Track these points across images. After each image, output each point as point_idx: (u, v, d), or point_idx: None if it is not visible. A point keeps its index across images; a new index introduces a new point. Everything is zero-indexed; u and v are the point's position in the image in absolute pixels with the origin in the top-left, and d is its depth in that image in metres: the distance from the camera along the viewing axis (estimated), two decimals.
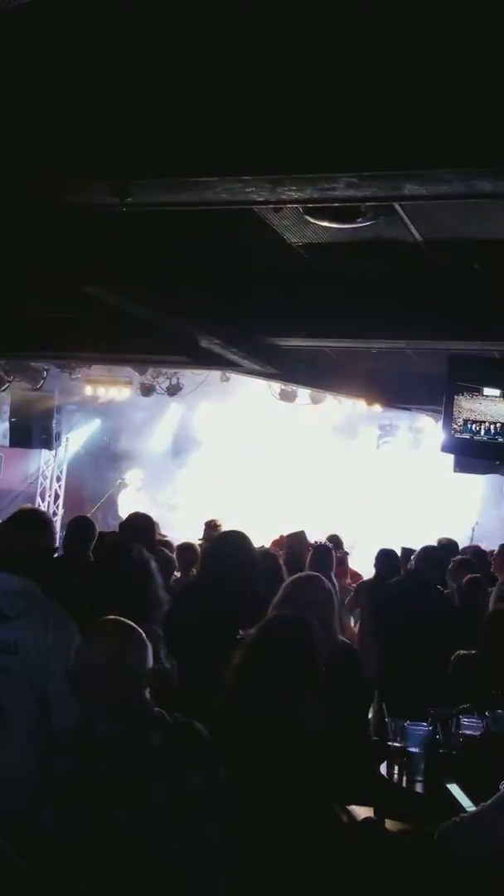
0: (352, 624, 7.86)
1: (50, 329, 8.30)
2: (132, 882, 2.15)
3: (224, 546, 4.78)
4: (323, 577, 4.28)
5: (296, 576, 4.54)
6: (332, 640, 3.81)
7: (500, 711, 4.20)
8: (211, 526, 8.55)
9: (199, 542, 8.19)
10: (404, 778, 3.84)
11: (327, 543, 8.15)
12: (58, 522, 11.92)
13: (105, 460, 14.23)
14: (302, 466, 13.50)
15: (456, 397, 8.57)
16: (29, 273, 5.72)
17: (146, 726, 2.35)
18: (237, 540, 4.84)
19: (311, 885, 2.73)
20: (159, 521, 10.71)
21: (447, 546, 8.47)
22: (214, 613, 4.14)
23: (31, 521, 3.65)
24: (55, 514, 13.41)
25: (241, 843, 2.40)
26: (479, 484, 13.23)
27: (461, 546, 8.85)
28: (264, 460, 13.65)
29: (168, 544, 7.76)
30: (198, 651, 3.93)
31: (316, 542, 8.26)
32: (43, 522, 3.63)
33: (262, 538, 9.75)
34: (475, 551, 8.72)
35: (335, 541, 8.78)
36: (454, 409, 8.59)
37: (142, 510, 9.01)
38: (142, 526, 5.39)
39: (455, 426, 8.62)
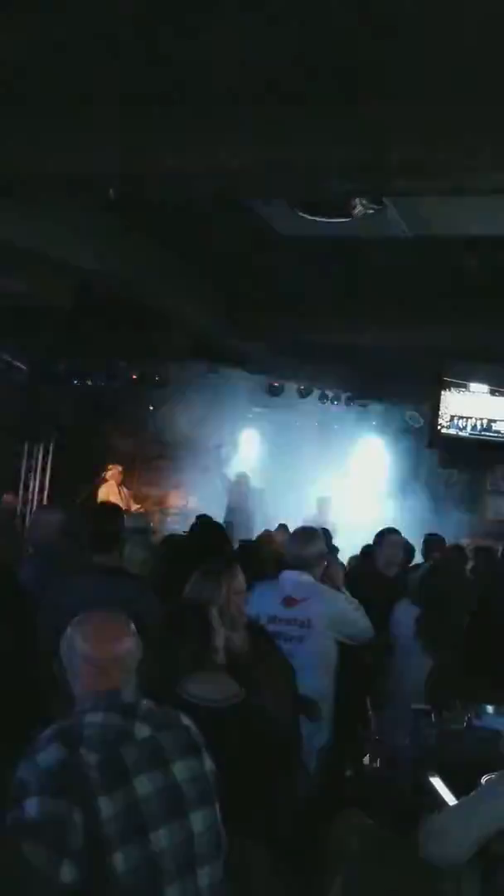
0: None
1: (37, 320, 8.27)
2: (116, 873, 2.15)
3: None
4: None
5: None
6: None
7: (483, 706, 4.22)
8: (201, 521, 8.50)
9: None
10: (386, 771, 3.85)
11: None
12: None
13: (91, 452, 14.16)
14: (291, 460, 13.49)
15: (444, 393, 8.60)
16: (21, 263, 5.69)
17: (134, 718, 2.35)
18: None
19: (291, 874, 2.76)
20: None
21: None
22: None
23: (309, 534, 4.94)
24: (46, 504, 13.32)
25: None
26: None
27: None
28: (254, 454, 13.64)
29: None
30: None
31: None
32: (317, 534, 4.95)
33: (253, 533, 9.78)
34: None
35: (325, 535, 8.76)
36: (441, 405, 8.62)
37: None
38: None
39: (442, 422, 8.66)
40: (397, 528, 7.15)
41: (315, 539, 4.83)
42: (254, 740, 2.99)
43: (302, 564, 4.61)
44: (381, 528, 6.90)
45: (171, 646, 3.16)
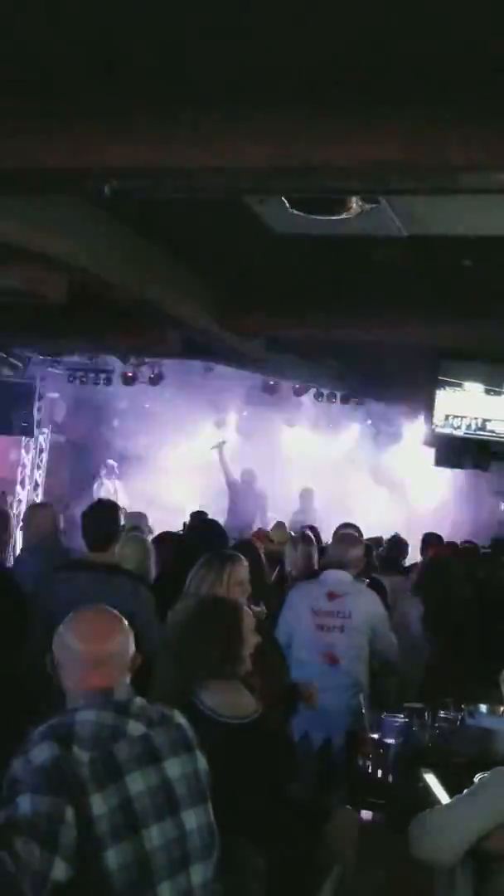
0: None
1: (30, 316, 8.24)
2: (108, 870, 2.15)
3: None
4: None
5: None
6: None
7: (476, 705, 4.23)
8: (196, 518, 8.51)
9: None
10: (379, 769, 3.85)
11: (308, 534, 8.15)
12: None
13: (86, 450, 14.16)
14: (286, 458, 13.51)
15: (438, 391, 8.60)
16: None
17: (127, 715, 2.35)
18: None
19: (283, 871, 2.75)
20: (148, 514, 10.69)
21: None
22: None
23: (352, 539, 5.64)
24: (34, 502, 13.32)
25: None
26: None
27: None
28: (248, 452, 13.65)
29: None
30: None
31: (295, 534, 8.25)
32: (358, 540, 5.70)
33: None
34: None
35: (314, 532, 8.78)
36: (436, 404, 8.62)
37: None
38: None
39: (437, 421, 8.66)
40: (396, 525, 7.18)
41: (357, 544, 5.48)
42: (267, 757, 2.92)
43: (344, 566, 5.15)
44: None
45: (195, 646, 3.06)
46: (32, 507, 7.42)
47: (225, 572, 3.82)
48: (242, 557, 4.00)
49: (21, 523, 8.12)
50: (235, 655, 3.01)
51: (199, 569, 3.90)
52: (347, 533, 6.08)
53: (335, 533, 6.55)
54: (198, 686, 2.97)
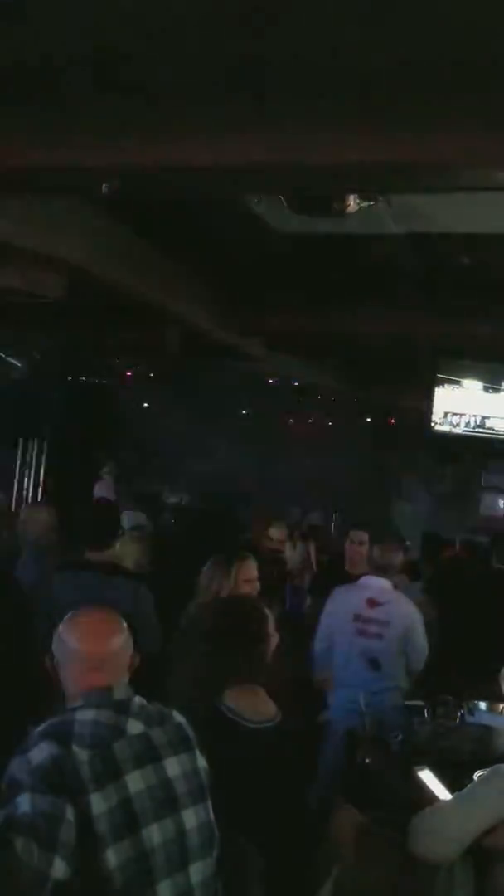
0: None
1: (30, 316, 8.25)
2: (108, 869, 2.15)
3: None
4: None
5: None
6: None
7: (476, 702, 4.24)
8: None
9: None
10: (379, 767, 3.85)
11: (307, 532, 8.17)
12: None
13: (87, 450, 14.16)
14: (284, 453, 13.53)
15: (437, 389, 8.61)
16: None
17: (126, 714, 2.35)
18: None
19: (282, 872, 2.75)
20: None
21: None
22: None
23: (397, 544, 5.41)
24: (37, 501, 13.32)
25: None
26: None
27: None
28: (248, 448, 13.67)
29: None
30: None
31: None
32: (400, 545, 5.54)
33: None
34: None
35: (316, 531, 8.79)
36: (435, 401, 8.64)
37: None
38: None
39: (435, 418, 8.67)
40: (392, 523, 7.18)
41: (400, 549, 5.50)
42: (286, 761, 2.89)
43: (386, 571, 5.15)
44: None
45: (221, 648, 3.02)
46: (32, 507, 7.42)
47: (233, 570, 3.85)
48: (250, 555, 4.02)
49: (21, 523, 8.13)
50: (260, 658, 2.98)
51: (209, 568, 3.94)
52: (391, 536, 6.06)
53: (347, 535, 6.54)
54: (220, 688, 2.95)
